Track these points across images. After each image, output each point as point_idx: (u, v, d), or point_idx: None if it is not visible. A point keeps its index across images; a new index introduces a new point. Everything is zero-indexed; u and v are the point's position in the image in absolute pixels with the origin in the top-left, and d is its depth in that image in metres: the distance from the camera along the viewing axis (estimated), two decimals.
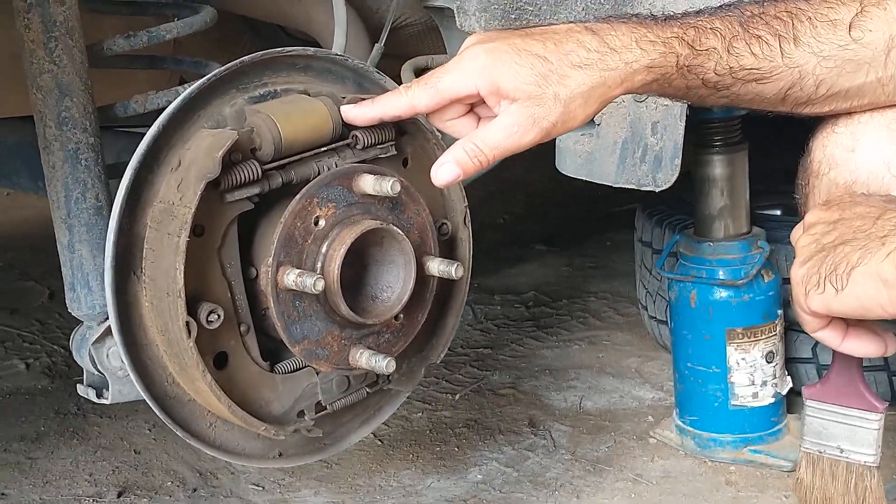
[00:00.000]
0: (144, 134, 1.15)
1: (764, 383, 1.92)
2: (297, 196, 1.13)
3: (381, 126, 1.22)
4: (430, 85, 1.15)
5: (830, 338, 1.14)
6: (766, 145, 2.10)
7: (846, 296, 1.06)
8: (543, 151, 1.84)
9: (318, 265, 1.15)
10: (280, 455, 1.27)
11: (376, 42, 1.71)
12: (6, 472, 1.98)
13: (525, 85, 1.11)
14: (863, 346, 1.15)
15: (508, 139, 1.12)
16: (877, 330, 1.16)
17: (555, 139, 1.78)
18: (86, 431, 2.13)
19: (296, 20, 1.88)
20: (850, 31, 1.15)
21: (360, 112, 1.18)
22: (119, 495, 1.91)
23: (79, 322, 1.38)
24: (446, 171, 1.12)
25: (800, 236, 1.15)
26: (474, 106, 1.18)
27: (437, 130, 1.24)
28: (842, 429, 1.27)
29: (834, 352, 1.22)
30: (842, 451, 1.28)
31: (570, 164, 1.78)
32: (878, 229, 1.06)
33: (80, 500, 1.90)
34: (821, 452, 1.29)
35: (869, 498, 1.28)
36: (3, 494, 1.91)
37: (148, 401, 1.17)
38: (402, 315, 1.23)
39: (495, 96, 1.13)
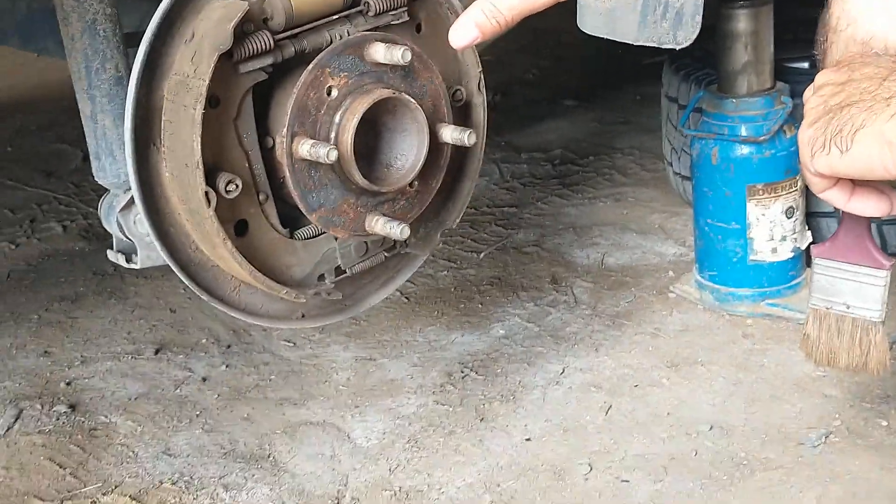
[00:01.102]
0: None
1: (783, 238, 1.94)
2: (309, 67, 1.15)
3: None
4: None
5: (837, 198, 1.15)
6: None
7: (850, 157, 1.06)
8: (574, 4, 1.83)
9: (332, 135, 1.17)
10: (303, 316, 1.33)
11: None
12: (48, 331, 2.08)
13: None
14: (869, 206, 1.16)
15: None
16: (883, 189, 1.17)
17: None
18: (123, 291, 2.22)
19: None
20: None
21: None
22: (157, 352, 2.00)
23: (106, 190, 1.42)
24: (464, 32, 1.10)
25: (809, 97, 1.15)
26: None
27: None
28: (849, 285, 1.29)
29: (842, 211, 1.23)
30: (848, 307, 1.30)
31: (591, 21, 1.75)
32: (885, 90, 1.05)
33: (119, 357, 1.99)
34: (828, 308, 1.32)
35: (873, 352, 1.31)
36: (46, 352, 2.01)
37: (173, 267, 1.22)
38: (416, 182, 1.26)
39: None
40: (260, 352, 1.99)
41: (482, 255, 2.27)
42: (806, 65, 2.25)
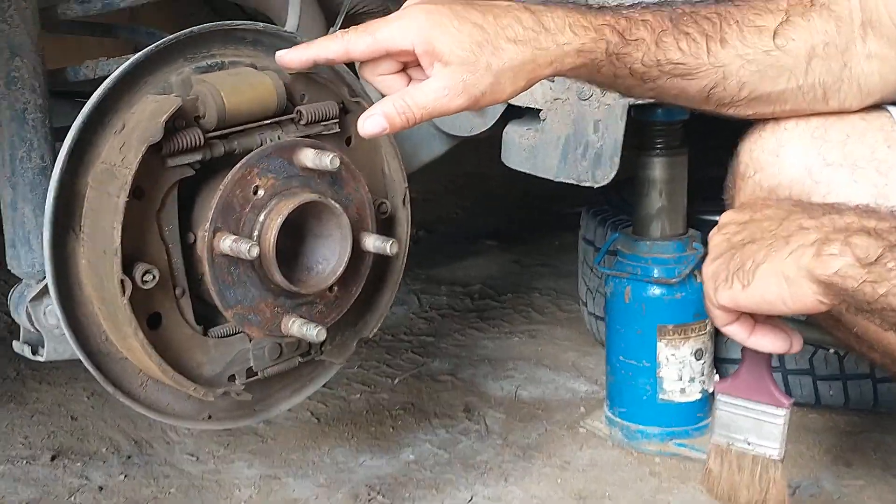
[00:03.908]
0: None
1: (692, 380, 1.98)
2: (238, 164, 1.17)
3: (325, 104, 1.26)
4: (367, 33, 1.15)
5: (738, 332, 1.19)
6: (711, 155, 2.17)
7: (751, 291, 1.11)
8: (499, 142, 1.90)
9: (255, 233, 1.18)
10: (210, 417, 1.31)
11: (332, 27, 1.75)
12: None
13: (460, 50, 1.12)
14: (769, 342, 1.20)
15: (437, 101, 1.13)
16: (783, 327, 1.22)
17: (500, 132, 1.84)
18: (23, 396, 2.15)
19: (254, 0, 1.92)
20: (774, 38, 1.21)
21: (295, 55, 1.18)
22: (53, 458, 1.93)
23: (18, 280, 1.40)
24: (373, 122, 1.13)
25: (714, 235, 1.21)
26: (407, 66, 1.19)
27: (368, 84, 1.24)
28: (749, 422, 1.32)
29: (744, 349, 1.27)
30: (749, 443, 1.33)
31: (515, 157, 1.83)
32: (783, 230, 1.11)
33: (13, 461, 1.92)
34: (729, 444, 1.34)
35: (772, 489, 1.33)
36: None
37: (80, 356, 1.20)
38: (336, 287, 1.27)
39: (429, 56, 1.13)
40: (161, 464, 1.93)
41: (397, 380, 2.27)
42: (717, 217, 2.35)
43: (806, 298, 1.07)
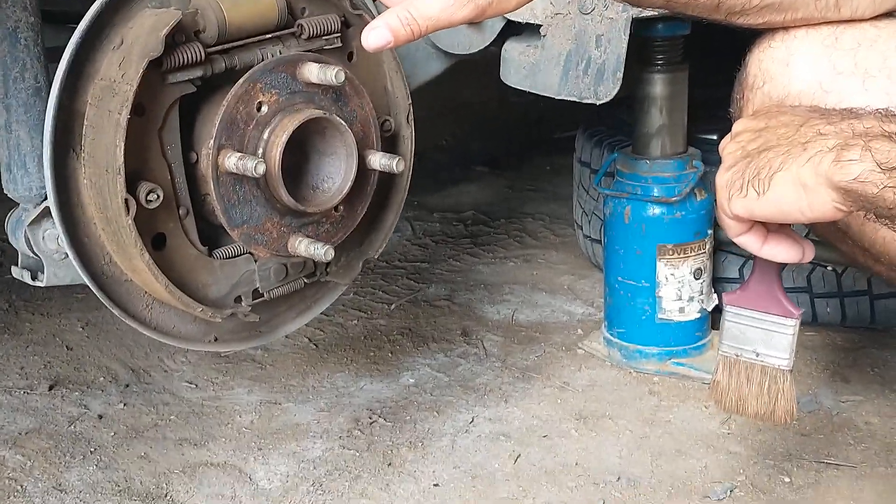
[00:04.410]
0: None
1: (691, 299, 1.98)
2: (241, 80, 1.14)
3: (326, 17, 1.22)
4: None
5: (751, 242, 1.18)
6: (708, 75, 2.14)
7: (767, 199, 1.09)
8: (493, 73, 1.86)
9: (260, 151, 1.16)
10: (216, 340, 1.29)
11: None
12: None
13: None
14: (782, 251, 1.18)
15: (443, 12, 1.08)
16: (795, 236, 1.20)
17: (499, 52, 1.81)
18: (17, 327, 2.13)
19: None
20: None
21: None
22: (50, 388, 1.92)
23: (14, 205, 1.37)
24: (377, 35, 1.07)
25: (727, 144, 1.19)
26: None
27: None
28: (758, 333, 1.32)
29: (755, 259, 1.26)
30: (757, 354, 1.32)
31: (515, 74, 1.79)
32: (801, 136, 1.09)
33: (10, 391, 1.90)
34: (737, 356, 1.34)
35: (781, 400, 1.33)
36: None
37: (85, 278, 1.18)
38: (342, 206, 1.25)
39: None
40: (160, 392, 1.93)
41: (393, 306, 2.26)
42: (715, 136, 2.34)
43: (824, 206, 1.06)
